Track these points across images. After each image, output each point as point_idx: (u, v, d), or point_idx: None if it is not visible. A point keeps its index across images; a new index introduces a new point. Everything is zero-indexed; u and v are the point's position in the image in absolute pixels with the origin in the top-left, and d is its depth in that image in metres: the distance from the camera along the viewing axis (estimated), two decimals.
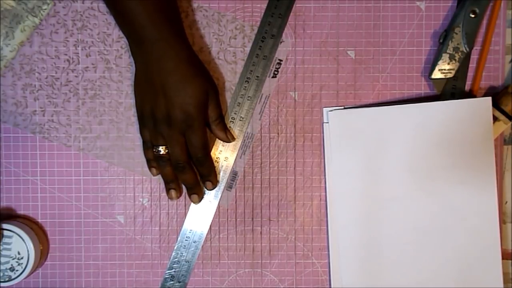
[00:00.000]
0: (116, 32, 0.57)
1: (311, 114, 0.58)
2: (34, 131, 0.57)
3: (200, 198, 0.57)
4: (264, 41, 0.57)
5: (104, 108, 0.57)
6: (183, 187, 0.57)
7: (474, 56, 0.58)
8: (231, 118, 0.57)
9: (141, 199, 0.58)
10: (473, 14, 0.55)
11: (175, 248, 0.57)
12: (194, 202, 0.57)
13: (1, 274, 0.54)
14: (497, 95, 0.57)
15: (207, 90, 0.53)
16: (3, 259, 0.54)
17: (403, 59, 0.58)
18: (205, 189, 0.57)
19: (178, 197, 0.56)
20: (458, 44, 0.56)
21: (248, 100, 0.57)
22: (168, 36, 0.52)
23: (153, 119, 0.53)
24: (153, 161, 0.55)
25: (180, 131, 0.53)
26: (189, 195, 0.56)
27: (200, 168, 0.55)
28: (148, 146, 0.55)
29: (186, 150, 0.54)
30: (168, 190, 0.56)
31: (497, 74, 0.58)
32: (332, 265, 0.58)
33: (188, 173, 0.55)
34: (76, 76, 0.57)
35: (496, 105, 0.56)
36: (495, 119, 0.56)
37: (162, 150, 0.54)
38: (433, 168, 0.56)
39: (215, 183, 0.57)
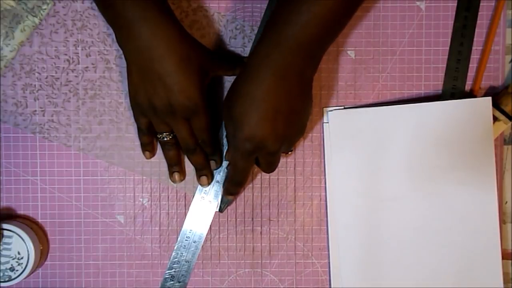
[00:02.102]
0: None
1: (311, 114, 0.58)
2: (34, 131, 0.57)
3: (209, 180, 0.56)
4: None
5: (104, 108, 0.57)
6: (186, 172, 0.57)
7: (474, 56, 0.58)
8: None
9: (141, 199, 0.58)
10: None
11: (175, 248, 0.57)
12: (203, 185, 0.56)
13: (1, 274, 0.54)
14: (497, 95, 0.57)
15: (207, 68, 0.52)
16: (3, 259, 0.54)
17: (403, 59, 0.58)
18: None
19: (181, 180, 0.57)
20: None
21: None
22: (155, 14, 0.48)
23: (152, 109, 0.51)
24: (148, 145, 0.55)
25: (185, 118, 0.52)
26: (199, 177, 0.56)
27: (205, 148, 0.55)
28: (144, 132, 0.54)
29: (193, 133, 0.53)
30: (171, 173, 0.56)
31: (497, 74, 0.58)
32: (332, 265, 0.58)
33: (199, 154, 0.55)
34: (76, 76, 0.57)
35: (496, 105, 0.56)
36: (495, 119, 0.56)
37: (167, 137, 0.53)
38: (433, 168, 0.56)
39: (219, 162, 0.57)
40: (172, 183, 0.57)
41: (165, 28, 0.49)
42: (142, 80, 0.50)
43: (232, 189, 0.55)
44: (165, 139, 0.54)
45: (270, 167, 0.53)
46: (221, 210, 0.57)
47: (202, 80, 0.51)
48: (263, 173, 0.58)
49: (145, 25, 0.48)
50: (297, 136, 0.52)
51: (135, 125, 0.56)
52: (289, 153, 0.57)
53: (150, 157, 0.56)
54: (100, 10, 0.51)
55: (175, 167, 0.56)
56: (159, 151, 0.57)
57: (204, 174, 0.56)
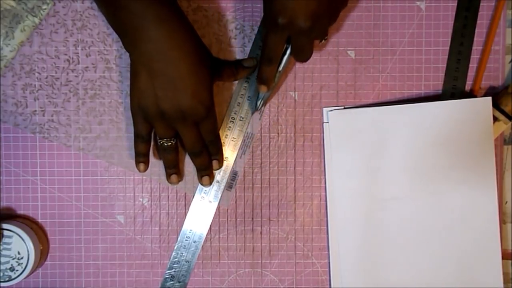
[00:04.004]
0: None
1: (311, 114, 0.58)
2: (34, 131, 0.57)
3: (211, 180, 0.56)
4: None
5: (104, 108, 0.57)
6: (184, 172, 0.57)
7: (474, 56, 0.58)
8: (231, 118, 0.57)
9: (141, 199, 0.58)
10: None
11: (175, 248, 0.57)
12: (205, 185, 0.56)
13: (1, 274, 0.54)
14: (497, 95, 0.57)
15: (213, 72, 0.52)
16: (3, 259, 0.54)
17: (403, 59, 0.58)
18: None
19: (179, 182, 0.56)
20: None
21: (248, 100, 0.57)
22: (171, 16, 0.48)
23: (160, 114, 0.50)
24: (144, 156, 0.54)
25: (194, 122, 0.51)
26: (201, 177, 0.56)
27: (211, 148, 0.55)
28: (144, 140, 0.53)
29: (201, 135, 0.53)
30: (169, 175, 0.55)
31: (497, 74, 0.58)
32: (332, 265, 0.58)
33: (204, 156, 0.54)
34: (76, 76, 0.57)
35: (496, 105, 0.56)
36: (495, 119, 0.56)
37: (168, 142, 0.53)
38: (433, 168, 0.56)
39: (221, 163, 0.56)
40: (169, 184, 0.57)
41: (181, 31, 0.49)
42: (151, 83, 0.49)
43: (264, 71, 0.52)
44: (167, 144, 0.53)
45: (301, 52, 0.51)
46: (257, 107, 0.56)
47: (211, 83, 0.51)
48: (263, 173, 0.58)
49: (162, 26, 0.47)
50: (329, 21, 0.49)
51: None
52: (323, 41, 0.54)
53: (145, 170, 0.55)
54: (108, 12, 0.50)
55: (173, 169, 0.55)
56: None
57: (207, 174, 0.56)
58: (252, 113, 0.57)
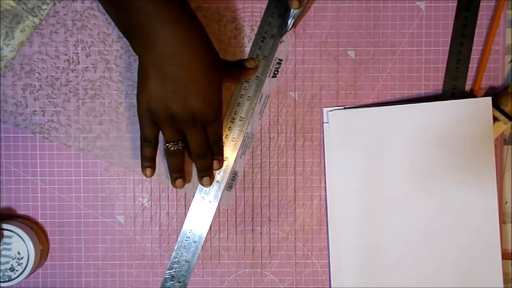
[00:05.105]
0: (116, 32, 0.57)
1: (311, 114, 0.58)
2: (34, 131, 0.57)
3: (212, 180, 0.56)
4: (264, 41, 0.57)
5: (104, 108, 0.57)
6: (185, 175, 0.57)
7: (474, 56, 0.58)
8: (231, 118, 0.57)
9: (141, 199, 0.58)
10: None
11: (175, 248, 0.57)
12: (205, 185, 0.56)
13: (1, 274, 0.54)
14: (497, 95, 0.57)
15: (221, 72, 0.52)
16: (3, 259, 0.54)
17: (403, 59, 0.58)
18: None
19: (183, 186, 0.56)
20: None
21: (248, 100, 0.57)
22: (186, 17, 0.47)
23: (170, 117, 0.50)
24: (150, 160, 0.54)
25: (203, 124, 0.51)
26: (201, 178, 0.55)
27: (214, 148, 0.54)
28: (151, 143, 0.53)
29: (207, 137, 0.53)
30: (174, 179, 0.55)
31: (497, 74, 0.58)
32: (332, 265, 0.58)
33: (207, 157, 0.54)
34: (76, 76, 0.57)
35: (496, 105, 0.56)
36: (495, 119, 0.56)
37: (175, 146, 0.52)
38: (433, 168, 0.56)
39: (221, 163, 0.56)
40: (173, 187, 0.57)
41: (195, 33, 0.48)
42: (162, 86, 0.49)
43: None
44: (173, 148, 0.52)
45: None
46: (287, 27, 0.54)
47: (221, 86, 0.51)
48: (263, 173, 0.58)
49: (175, 29, 0.47)
50: None
51: (135, 125, 0.56)
52: None
53: (151, 175, 0.54)
54: (118, 13, 0.49)
55: (178, 174, 0.55)
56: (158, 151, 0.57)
57: (208, 174, 0.56)
58: (283, 33, 0.55)
